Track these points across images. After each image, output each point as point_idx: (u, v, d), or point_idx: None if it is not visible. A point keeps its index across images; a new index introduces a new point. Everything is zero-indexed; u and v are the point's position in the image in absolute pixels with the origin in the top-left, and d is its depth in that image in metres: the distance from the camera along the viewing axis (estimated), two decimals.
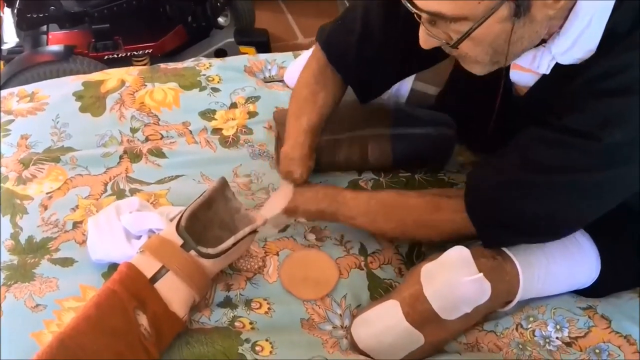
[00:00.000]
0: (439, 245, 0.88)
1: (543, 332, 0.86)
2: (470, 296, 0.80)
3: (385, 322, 0.83)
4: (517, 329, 0.87)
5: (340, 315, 0.88)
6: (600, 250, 0.88)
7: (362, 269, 0.94)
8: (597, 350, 0.84)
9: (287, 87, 1.28)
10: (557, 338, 0.86)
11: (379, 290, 0.92)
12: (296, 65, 1.30)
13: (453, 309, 0.81)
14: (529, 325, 0.87)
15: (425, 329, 0.82)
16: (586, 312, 0.88)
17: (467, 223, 0.83)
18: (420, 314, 0.81)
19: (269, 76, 1.33)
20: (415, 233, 0.89)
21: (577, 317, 0.87)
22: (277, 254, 0.94)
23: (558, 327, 0.87)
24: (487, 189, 0.82)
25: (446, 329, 0.83)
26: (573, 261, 0.87)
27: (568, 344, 0.85)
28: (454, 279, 0.80)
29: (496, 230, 0.83)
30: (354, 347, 0.85)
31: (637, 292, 0.92)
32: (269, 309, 0.87)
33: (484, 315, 0.87)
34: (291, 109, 1.03)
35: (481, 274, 0.80)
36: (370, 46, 0.96)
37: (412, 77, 1.19)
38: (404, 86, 1.21)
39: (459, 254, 0.82)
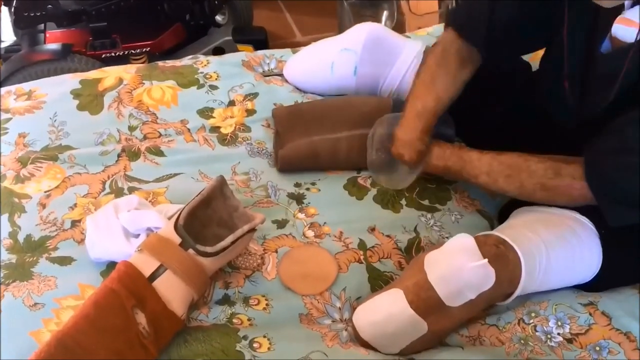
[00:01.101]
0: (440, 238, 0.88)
1: (545, 328, 0.86)
2: (475, 282, 0.80)
3: (388, 310, 0.83)
4: (519, 324, 0.87)
5: (340, 308, 0.88)
6: (602, 244, 0.89)
7: (362, 263, 0.94)
8: (597, 348, 0.84)
9: (286, 81, 1.28)
10: (558, 334, 0.86)
11: (379, 282, 0.92)
12: (296, 60, 1.29)
13: (457, 295, 0.81)
14: (531, 321, 0.87)
15: (429, 316, 0.81)
16: (587, 308, 0.88)
17: (585, 190, 0.86)
18: (425, 302, 0.81)
19: (268, 70, 1.33)
20: (533, 195, 0.92)
21: (578, 314, 0.87)
22: (276, 252, 0.94)
23: (559, 323, 0.87)
24: (606, 168, 0.84)
25: (450, 317, 0.83)
26: (574, 254, 0.88)
27: (569, 341, 0.85)
28: (458, 265, 0.80)
29: (615, 206, 0.84)
30: (356, 337, 0.85)
31: (637, 288, 0.92)
32: (267, 305, 0.87)
33: (486, 306, 0.87)
34: (410, 91, 1.05)
35: (486, 260, 0.80)
36: (503, 6, 0.99)
37: (413, 75, 1.19)
38: (405, 83, 1.21)
39: (463, 241, 0.83)
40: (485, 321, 0.88)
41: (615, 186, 0.83)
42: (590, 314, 0.87)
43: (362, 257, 0.95)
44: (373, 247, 0.96)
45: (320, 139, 1.08)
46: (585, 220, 0.90)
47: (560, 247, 0.87)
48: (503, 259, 0.83)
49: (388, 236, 0.98)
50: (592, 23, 0.89)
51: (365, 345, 0.84)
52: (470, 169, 0.96)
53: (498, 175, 0.94)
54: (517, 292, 0.85)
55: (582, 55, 0.91)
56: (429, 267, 0.82)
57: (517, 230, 0.88)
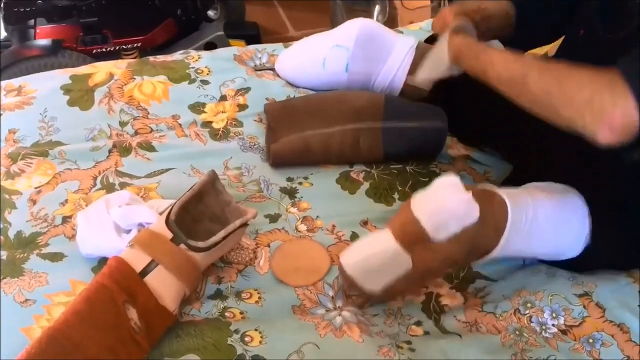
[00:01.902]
0: None
1: (540, 319, 0.87)
2: (459, 213, 0.80)
3: (374, 245, 0.83)
4: (515, 314, 0.87)
5: (333, 297, 0.88)
6: (592, 220, 0.87)
7: None
8: (590, 340, 0.85)
9: (278, 76, 1.28)
10: (553, 325, 0.86)
11: None
12: (288, 55, 1.29)
13: (442, 227, 0.80)
14: (527, 311, 0.87)
15: (414, 250, 0.81)
16: (582, 299, 0.88)
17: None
18: (410, 235, 0.81)
19: (260, 64, 1.32)
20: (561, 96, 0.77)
21: (572, 306, 0.87)
22: (269, 246, 0.94)
23: (554, 315, 0.87)
24: None
25: (434, 253, 0.82)
26: (562, 217, 0.86)
27: (563, 332, 0.86)
28: (443, 197, 0.81)
29: None
30: (341, 273, 0.85)
31: (633, 278, 0.92)
32: (259, 298, 0.87)
33: (473, 253, 0.85)
34: None
35: (470, 194, 0.80)
36: None
37: (406, 72, 1.19)
38: (397, 79, 1.20)
39: (449, 179, 0.82)
40: (483, 308, 0.88)
41: None
42: (584, 307, 0.87)
43: None
44: None
45: (313, 134, 1.07)
46: (578, 195, 0.88)
47: (549, 205, 0.85)
48: (488, 198, 0.82)
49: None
50: None
51: (351, 285, 0.84)
52: (499, 53, 0.89)
53: (531, 68, 0.81)
54: (502, 241, 0.83)
55: None
56: (415, 205, 0.82)
57: (506, 188, 0.87)
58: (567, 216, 0.87)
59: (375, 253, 0.83)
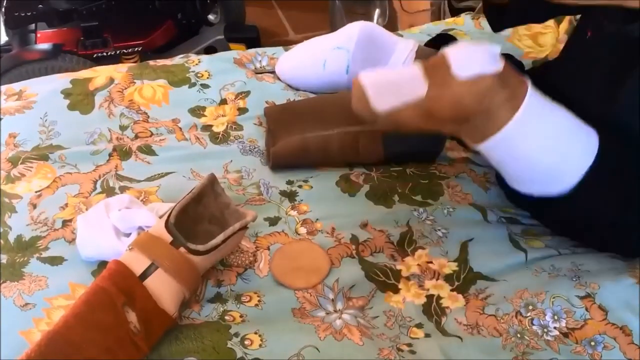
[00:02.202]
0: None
1: (541, 321, 0.86)
2: (484, 59, 0.76)
3: (397, 70, 0.82)
4: (516, 316, 0.87)
5: (333, 300, 0.88)
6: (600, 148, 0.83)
7: (354, 257, 0.94)
8: (592, 343, 0.84)
9: (278, 79, 1.28)
10: (554, 328, 0.86)
11: (374, 270, 0.92)
12: (288, 57, 1.29)
13: (466, 65, 0.76)
14: (528, 314, 0.87)
15: (432, 78, 0.78)
16: (584, 301, 0.88)
17: None
18: (433, 63, 0.78)
19: (260, 67, 1.32)
20: None
21: (574, 308, 0.87)
22: (268, 248, 0.94)
23: (556, 317, 0.87)
24: None
25: (449, 90, 0.77)
26: (576, 128, 0.83)
27: (565, 335, 0.85)
28: (473, 45, 0.78)
29: None
30: (354, 86, 0.82)
31: (637, 278, 0.91)
32: (259, 300, 0.87)
33: (485, 109, 0.79)
34: None
35: (499, 52, 0.77)
36: None
37: None
38: None
39: (487, 48, 0.78)
40: (484, 310, 0.88)
41: None
42: (586, 309, 0.87)
43: (354, 252, 0.94)
44: (365, 241, 0.96)
45: (312, 136, 1.07)
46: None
47: (566, 114, 0.82)
48: (514, 71, 0.80)
49: (380, 230, 0.98)
50: None
51: (359, 98, 0.81)
52: None
53: None
54: (517, 115, 0.79)
55: None
56: (446, 48, 0.79)
57: None
58: (579, 133, 0.83)
59: (395, 72, 0.80)
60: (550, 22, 1.24)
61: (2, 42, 1.97)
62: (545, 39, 1.38)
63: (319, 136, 1.07)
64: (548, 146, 0.83)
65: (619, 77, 0.89)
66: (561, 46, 1.10)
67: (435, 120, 0.81)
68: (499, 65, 0.77)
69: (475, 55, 0.77)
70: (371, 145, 1.07)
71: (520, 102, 0.79)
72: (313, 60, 1.24)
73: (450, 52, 0.78)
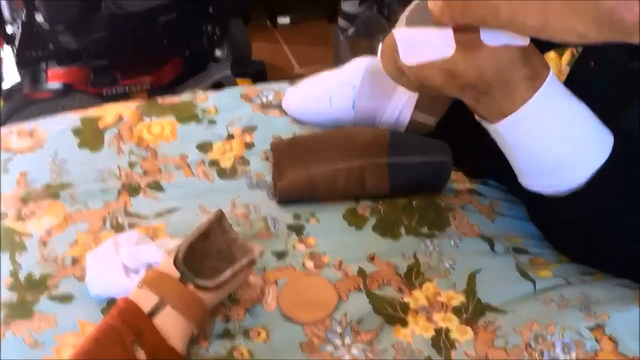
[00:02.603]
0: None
1: (551, 353, 0.85)
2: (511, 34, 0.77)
3: (430, 28, 0.80)
4: (526, 349, 0.86)
5: (341, 334, 0.88)
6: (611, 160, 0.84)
7: (361, 290, 0.94)
8: None
9: (285, 113, 1.29)
10: None
11: (382, 303, 0.92)
12: (294, 92, 1.31)
13: (494, 35, 0.77)
14: (538, 346, 0.86)
15: (460, 42, 0.78)
16: (594, 332, 0.87)
17: None
18: (464, 28, 0.78)
19: (266, 101, 1.34)
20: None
21: (584, 340, 0.86)
22: (276, 283, 0.94)
23: (566, 349, 0.86)
24: None
25: (477, 52, 0.78)
26: (592, 123, 0.84)
27: None
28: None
29: None
30: (386, 39, 0.84)
31: None
32: (267, 336, 0.87)
33: (505, 79, 0.80)
34: None
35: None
36: None
37: (411, 108, 1.21)
38: (403, 116, 1.22)
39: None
40: (493, 343, 0.87)
41: None
42: (596, 340, 0.86)
43: (361, 285, 0.95)
44: (372, 273, 0.96)
45: (319, 171, 1.08)
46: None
47: (579, 104, 0.83)
48: (536, 53, 0.82)
49: (387, 263, 0.98)
50: None
51: (387, 48, 0.84)
52: None
53: None
54: (538, 94, 0.80)
55: None
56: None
57: None
58: (595, 127, 0.85)
59: (427, 30, 0.80)
60: (552, 54, 1.25)
61: (14, 83, 2.01)
62: None
63: (325, 171, 1.08)
64: (563, 133, 0.84)
65: (621, 107, 0.90)
66: (563, 78, 1.11)
67: (457, 83, 0.82)
68: (525, 40, 0.79)
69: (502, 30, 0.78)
70: (377, 179, 1.08)
71: (541, 82, 0.81)
72: (319, 95, 1.26)
73: (479, 21, 0.78)
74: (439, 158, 1.09)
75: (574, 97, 0.85)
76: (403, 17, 0.87)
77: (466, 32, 0.79)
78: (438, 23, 0.81)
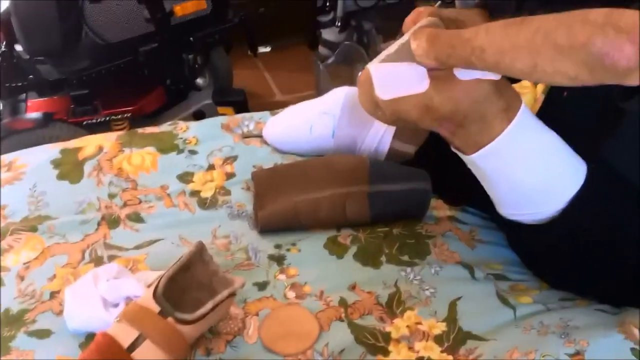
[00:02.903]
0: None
1: None
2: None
3: (405, 63, 0.82)
4: None
5: None
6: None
7: (343, 320, 0.94)
8: None
9: (266, 143, 1.30)
10: None
11: (363, 333, 0.91)
12: (275, 121, 1.32)
13: (467, 70, 0.79)
14: None
15: (435, 78, 0.80)
16: (574, 358, 0.87)
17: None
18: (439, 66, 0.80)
19: (247, 131, 1.35)
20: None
21: None
22: (257, 314, 0.94)
23: None
24: None
25: (450, 87, 0.80)
26: (565, 151, 0.87)
27: None
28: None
29: None
30: (362, 74, 0.86)
31: (627, 334, 0.91)
32: None
33: (479, 114, 0.82)
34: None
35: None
36: None
37: (390, 136, 1.22)
38: (382, 145, 1.23)
39: None
40: None
41: None
42: None
43: (343, 315, 0.94)
44: (354, 303, 0.96)
45: (300, 201, 1.09)
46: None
47: (552, 133, 0.86)
48: (509, 86, 0.84)
49: (369, 292, 0.98)
50: None
51: (363, 84, 0.86)
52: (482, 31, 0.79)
53: (520, 25, 0.74)
54: (511, 125, 0.82)
55: None
56: None
57: None
58: (569, 155, 0.87)
59: (402, 66, 0.82)
60: (527, 82, 1.28)
61: None
62: (525, 99, 1.41)
63: (305, 200, 1.08)
64: (537, 163, 0.86)
65: (598, 135, 0.92)
66: (538, 106, 1.13)
67: (432, 116, 0.84)
68: (497, 75, 0.80)
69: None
70: (358, 207, 1.09)
71: (514, 114, 0.83)
72: (300, 124, 1.27)
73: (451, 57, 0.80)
74: (419, 186, 1.10)
75: (545, 126, 0.88)
76: (382, 54, 0.88)
77: (441, 70, 0.81)
78: (420, 63, 0.82)
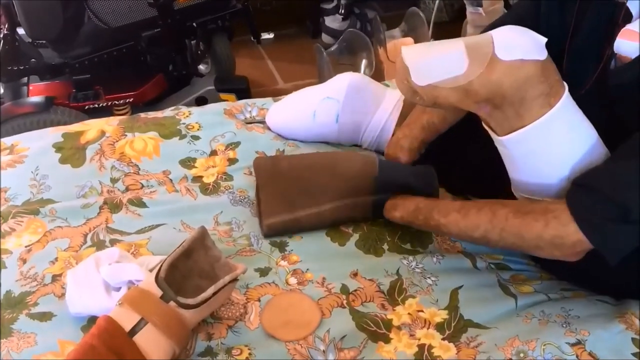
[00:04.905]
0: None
1: None
2: (529, 46, 0.79)
3: (442, 45, 0.82)
4: None
5: (324, 351, 0.87)
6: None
7: (344, 307, 0.94)
8: None
9: (268, 129, 1.29)
10: None
11: (365, 320, 0.91)
12: (278, 108, 1.31)
13: (510, 48, 0.78)
14: None
15: (473, 60, 0.79)
16: (574, 348, 0.88)
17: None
18: (476, 44, 0.79)
19: (250, 117, 1.34)
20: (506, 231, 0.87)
21: (565, 355, 0.87)
22: (259, 300, 0.94)
23: None
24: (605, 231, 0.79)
25: (489, 70, 0.78)
26: (595, 141, 0.85)
27: None
28: (520, 32, 0.81)
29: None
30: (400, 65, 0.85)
31: (627, 324, 0.91)
32: (249, 354, 0.86)
33: (523, 96, 0.80)
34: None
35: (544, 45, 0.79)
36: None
37: (394, 123, 1.21)
38: (387, 130, 1.23)
39: (533, 35, 0.81)
40: (476, 359, 0.87)
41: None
42: (577, 356, 0.87)
43: (344, 302, 0.94)
44: (355, 290, 0.96)
45: (305, 214, 1.05)
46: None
47: (590, 127, 0.85)
48: (554, 69, 0.82)
49: (370, 280, 0.99)
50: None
51: (400, 71, 0.85)
52: (442, 206, 0.96)
53: (469, 209, 0.90)
54: (554, 110, 0.81)
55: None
56: (493, 30, 0.81)
57: None
58: (600, 150, 0.86)
59: (439, 49, 0.81)
60: None
61: None
62: None
63: (310, 215, 1.06)
64: (571, 154, 0.84)
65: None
66: None
67: (471, 100, 0.82)
68: (542, 54, 0.78)
69: (520, 40, 0.78)
70: (362, 213, 1.08)
71: (556, 100, 0.80)
72: (303, 110, 1.26)
73: (495, 33, 0.79)
74: (426, 189, 1.07)
75: (585, 118, 0.84)
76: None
77: (479, 47, 0.79)
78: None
